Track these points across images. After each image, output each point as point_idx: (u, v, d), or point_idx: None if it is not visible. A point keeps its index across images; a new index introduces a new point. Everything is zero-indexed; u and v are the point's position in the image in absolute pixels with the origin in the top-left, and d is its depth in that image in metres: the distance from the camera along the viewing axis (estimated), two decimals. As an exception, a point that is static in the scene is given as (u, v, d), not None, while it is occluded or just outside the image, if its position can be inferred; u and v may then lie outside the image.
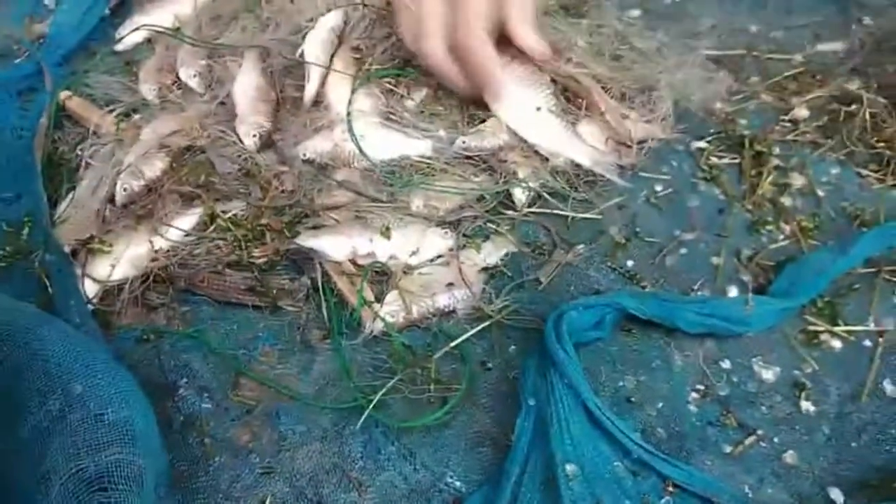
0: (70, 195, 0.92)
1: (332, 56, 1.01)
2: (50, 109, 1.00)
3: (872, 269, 0.87)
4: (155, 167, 0.92)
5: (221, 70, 1.02)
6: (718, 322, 0.80)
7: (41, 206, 0.90)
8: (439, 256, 0.89)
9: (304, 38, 1.02)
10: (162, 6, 1.13)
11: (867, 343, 0.82)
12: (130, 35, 1.10)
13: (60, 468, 0.58)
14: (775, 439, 0.76)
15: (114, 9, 1.16)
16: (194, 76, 1.02)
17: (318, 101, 0.99)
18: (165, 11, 1.12)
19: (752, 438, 0.75)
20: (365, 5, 1.04)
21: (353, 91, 0.98)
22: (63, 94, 1.03)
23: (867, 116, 1.00)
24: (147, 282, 0.86)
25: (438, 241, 0.89)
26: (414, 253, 0.88)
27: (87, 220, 0.89)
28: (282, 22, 1.04)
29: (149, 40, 1.11)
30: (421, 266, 0.88)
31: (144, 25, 1.10)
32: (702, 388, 0.79)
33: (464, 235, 0.90)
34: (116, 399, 0.59)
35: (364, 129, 0.94)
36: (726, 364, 0.80)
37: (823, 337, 0.82)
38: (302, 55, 1.01)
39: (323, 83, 1.00)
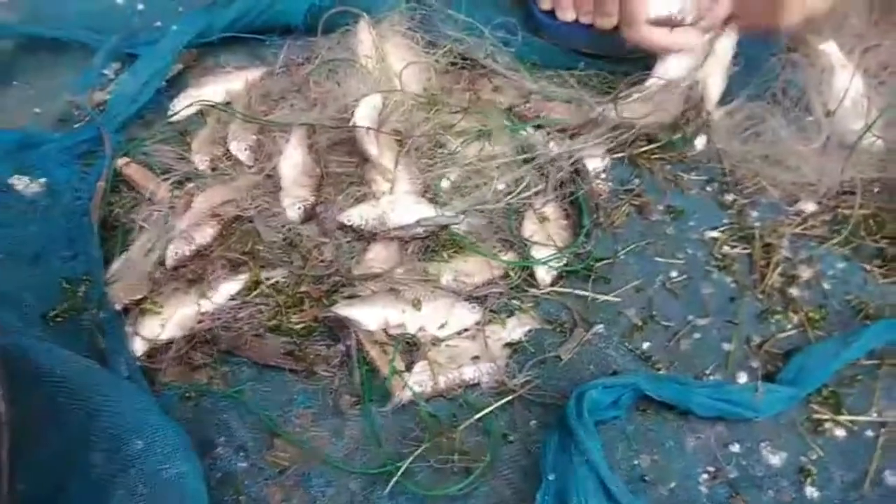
0: (123, 256, 0.99)
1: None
2: (108, 174, 1.07)
3: (875, 361, 0.91)
4: (205, 234, 0.99)
5: (270, 145, 1.10)
6: (729, 407, 0.85)
7: (96, 266, 0.97)
8: (466, 330, 0.94)
9: (351, 114, 1.09)
10: (215, 82, 1.21)
11: (869, 433, 0.86)
12: (184, 108, 1.18)
13: None
14: (781, 524, 0.79)
15: (170, 81, 1.24)
16: (244, 149, 1.09)
17: (361, 177, 1.06)
18: (218, 87, 1.20)
19: (758, 522, 0.79)
20: (403, 92, 1.12)
21: (396, 164, 1.05)
22: (121, 160, 1.10)
23: (871, 212, 1.05)
24: (192, 342, 0.92)
25: (466, 315, 0.94)
26: (442, 326, 0.93)
27: (138, 280, 0.95)
28: (328, 102, 1.12)
29: (201, 113, 1.18)
30: (449, 338, 0.93)
31: (199, 101, 1.18)
32: (712, 469, 0.83)
33: (490, 311, 0.95)
34: (173, 456, 0.64)
35: (405, 206, 1.01)
36: (736, 447, 0.85)
37: (828, 425, 0.86)
38: (354, 123, 1.07)
39: (366, 159, 1.07)
